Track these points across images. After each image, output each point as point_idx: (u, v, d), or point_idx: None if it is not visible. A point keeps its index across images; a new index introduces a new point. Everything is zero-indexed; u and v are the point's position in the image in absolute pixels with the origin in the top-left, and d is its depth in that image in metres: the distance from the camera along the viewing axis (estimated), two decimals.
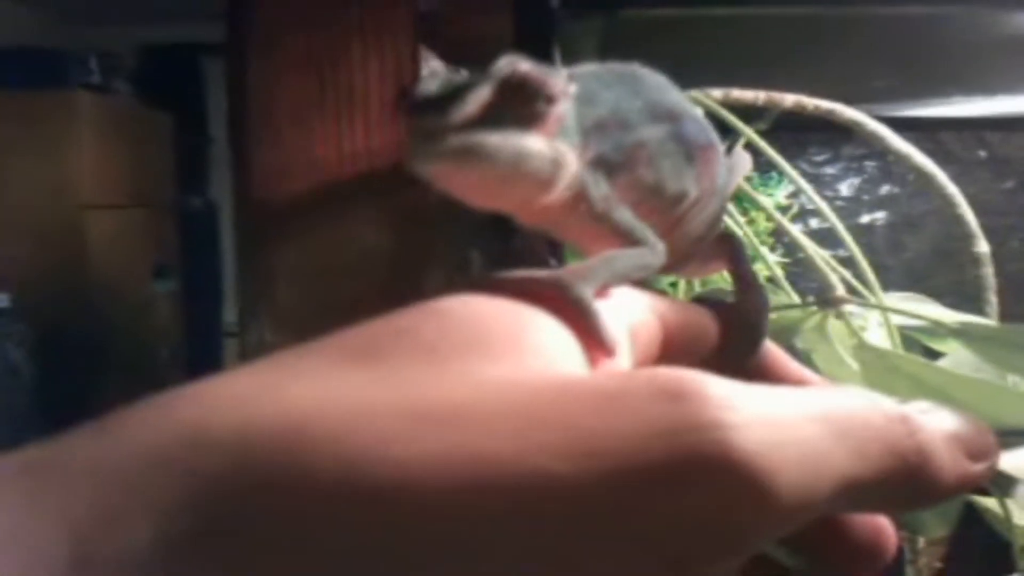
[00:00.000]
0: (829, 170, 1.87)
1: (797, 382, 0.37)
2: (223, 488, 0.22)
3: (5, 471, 0.22)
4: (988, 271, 0.91)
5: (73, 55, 3.17)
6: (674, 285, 0.98)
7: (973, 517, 0.72)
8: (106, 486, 0.21)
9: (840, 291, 0.76)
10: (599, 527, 0.22)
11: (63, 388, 2.80)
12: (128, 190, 3.33)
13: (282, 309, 0.72)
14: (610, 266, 0.32)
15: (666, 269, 0.37)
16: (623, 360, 0.29)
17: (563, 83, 0.32)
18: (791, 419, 0.24)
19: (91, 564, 0.20)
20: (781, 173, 1.29)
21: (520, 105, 0.31)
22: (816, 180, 1.81)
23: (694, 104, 0.40)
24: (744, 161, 0.52)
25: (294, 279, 0.72)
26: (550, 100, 0.31)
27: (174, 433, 0.23)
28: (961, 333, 0.71)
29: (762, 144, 0.82)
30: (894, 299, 0.81)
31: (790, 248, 1.33)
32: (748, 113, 0.87)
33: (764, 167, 1.32)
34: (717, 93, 0.87)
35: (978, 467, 0.27)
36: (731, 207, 0.76)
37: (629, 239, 0.34)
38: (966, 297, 0.94)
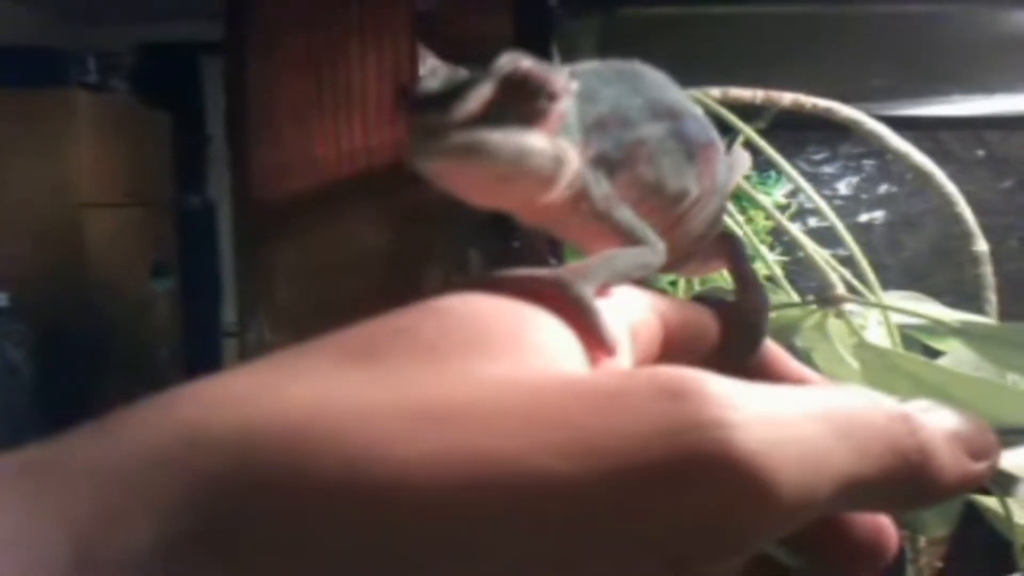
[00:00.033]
0: (827, 169, 1.86)
1: (798, 381, 0.37)
2: (223, 488, 0.21)
3: (5, 471, 0.22)
4: (987, 270, 0.91)
5: (72, 54, 3.17)
6: (674, 284, 0.98)
7: (974, 516, 0.72)
8: (106, 486, 0.21)
9: (840, 290, 0.76)
10: (600, 526, 0.22)
11: (62, 387, 2.80)
12: (126, 189, 3.33)
13: (281, 308, 0.72)
14: (610, 265, 0.32)
15: (666, 268, 0.37)
16: (624, 359, 0.29)
17: (565, 80, 0.32)
18: (792, 418, 0.24)
19: (92, 564, 0.20)
20: (779, 172, 1.29)
21: (522, 102, 0.31)
22: (814, 179, 1.80)
23: (693, 102, 0.40)
24: (743, 160, 0.52)
25: (293, 278, 0.72)
26: (552, 97, 0.31)
27: (174, 433, 0.22)
28: (961, 332, 0.71)
29: (761, 143, 0.82)
30: (893, 298, 0.81)
31: (789, 247, 1.33)
32: (746, 112, 0.87)
33: (762, 166, 1.32)
34: (715, 92, 0.87)
35: (979, 466, 0.27)
36: (730, 206, 0.76)
37: (629, 238, 0.34)
38: (965, 296, 0.94)
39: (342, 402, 0.23)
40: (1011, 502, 0.67)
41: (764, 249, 0.96)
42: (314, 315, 0.72)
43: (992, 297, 0.91)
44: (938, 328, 0.76)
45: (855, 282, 0.78)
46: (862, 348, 0.72)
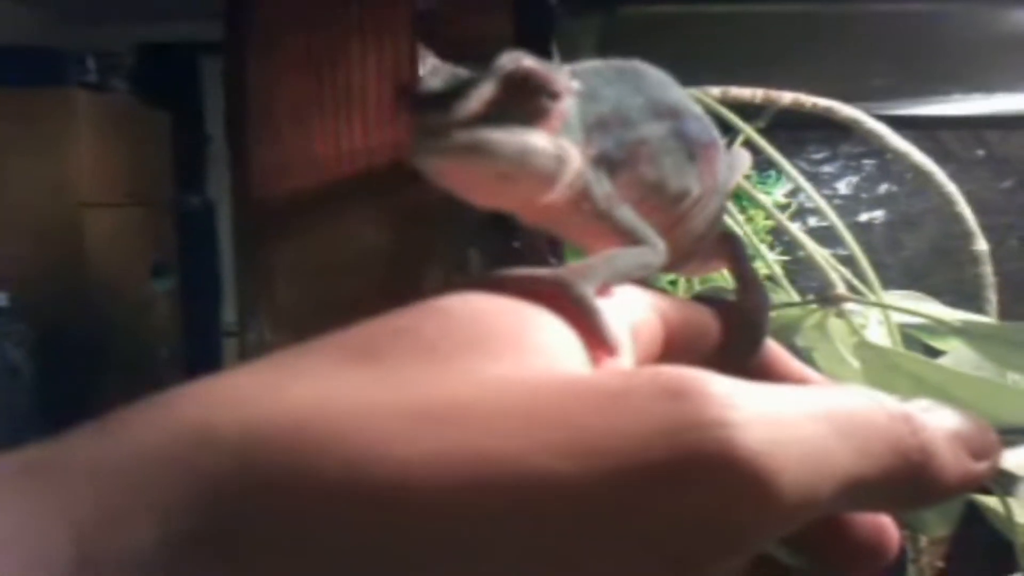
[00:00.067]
0: (827, 168, 1.86)
1: (799, 381, 0.37)
2: (225, 488, 0.22)
3: (7, 471, 0.22)
4: (987, 269, 0.91)
5: (71, 54, 3.17)
6: (674, 283, 0.98)
7: (975, 516, 0.72)
8: (108, 486, 0.21)
9: (840, 289, 0.76)
10: (601, 526, 0.22)
11: (62, 387, 2.80)
12: (126, 189, 3.33)
13: (281, 308, 0.72)
14: (611, 265, 0.32)
15: (667, 267, 0.37)
16: (625, 359, 0.29)
17: (566, 80, 0.32)
18: (793, 418, 0.24)
19: (93, 564, 0.20)
20: (779, 171, 1.29)
21: (524, 102, 0.31)
22: (814, 178, 1.80)
23: (694, 102, 0.40)
24: (743, 159, 0.52)
25: (293, 278, 0.72)
26: (554, 96, 0.31)
27: (176, 433, 0.23)
28: (962, 331, 0.71)
29: (761, 142, 0.82)
30: (894, 297, 0.81)
31: (789, 246, 1.33)
32: (746, 111, 0.86)
33: (762, 165, 1.32)
34: (715, 91, 0.87)
35: (980, 466, 0.27)
36: (730, 205, 0.76)
37: (630, 238, 0.34)
38: (964, 295, 0.94)
39: (343, 402, 0.23)
40: (1012, 502, 0.67)
41: (764, 248, 0.95)
42: (314, 315, 0.72)
43: (992, 297, 0.91)
44: (939, 327, 0.76)
45: (855, 281, 0.78)
46: (863, 347, 0.72)
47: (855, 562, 0.30)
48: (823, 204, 0.83)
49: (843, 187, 1.87)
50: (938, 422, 0.26)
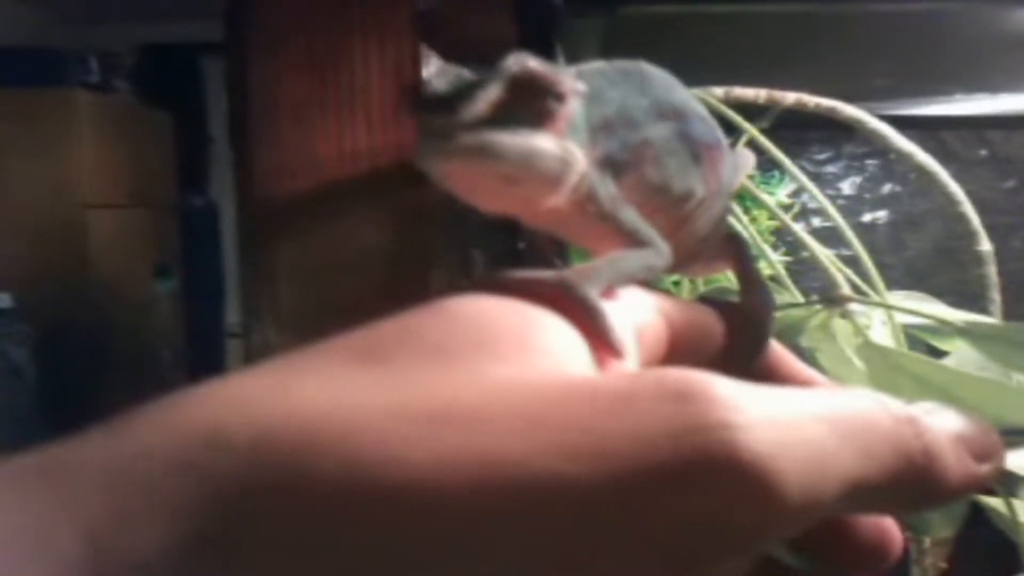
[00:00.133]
0: (830, 169, 1.87)
1: (803, 382, 0.37)
2: (233, 490, 0.22)
3: (18, 472, 0.22)
4: (991, 270, 0.91)
5: (73, 54, 3.17)
6: (678, 284, 0.98)
7: (979, 517, 0.72)
8: (119, 487, 0.22)
9: (845, 290, 0.75)
10: (606, 527, 0.22)
11: (65, 388, 2.81)
12: (128, 189, 3.33)
13: (285, 308, 0.72)
14: (615, 267, 0.32)
15: (671, 268, 0.37)
16: (630, 361, 0.29)
17: (572, 81, 0.32)
18: (798, 420, 0.24)
19: (105, 564, 0.21)
20: (783, 171, 1.29)
21: (530, 104, 0.31)
22: (818, 179, 1.80)
23: (698, 102, 0.40)
24: (747, 160, 0.52)
25: (297, 278, 0.72)
26: (560, 99, 0.31)
27: (185, 435, 0.23)
28: (966, 332, 0.71)
29: (764, 142, 0.82)
30: (897, 298, 0.81)
31: (792, 247, 1.33)
32: (749, 111, 0.86)
33: (766, 165, 1.32)
34: (718, 91, 0.87)
35: (984, 468, 0.27)
36: (734, 206, 0.76)
37: (634, 240, 0.34)
38: (967, 296, 0.94)
39: (350, 405, 0.23)
40: (1016, 503, 0.67)
41: (768, 249, 0.95)
42: (318, 315, 0.72)
43: (996, 297, 0.90)
44: (943, 328, 0.75)
45: (859, 282, 0.78)
46: (867, 348, 0.72)
47: (858, 563, 0.30)
48: (827, 204, 0.82)
49: (846, 187, 1.87)
50: (941, 424, 0.26)
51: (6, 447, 0.23)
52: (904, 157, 0.91)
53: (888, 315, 0.77)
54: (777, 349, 0.38)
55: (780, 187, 1.43)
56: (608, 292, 0.31)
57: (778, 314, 0.74)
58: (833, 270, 0.76)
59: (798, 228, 0.86)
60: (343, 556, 0.21)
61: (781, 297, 0.81)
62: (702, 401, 0.23)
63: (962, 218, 0.91)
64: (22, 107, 3.00)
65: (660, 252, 0.34)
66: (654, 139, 0.36)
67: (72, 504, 0.21)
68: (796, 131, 1.70)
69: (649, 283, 0.34)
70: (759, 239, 0.94)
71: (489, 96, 0.30)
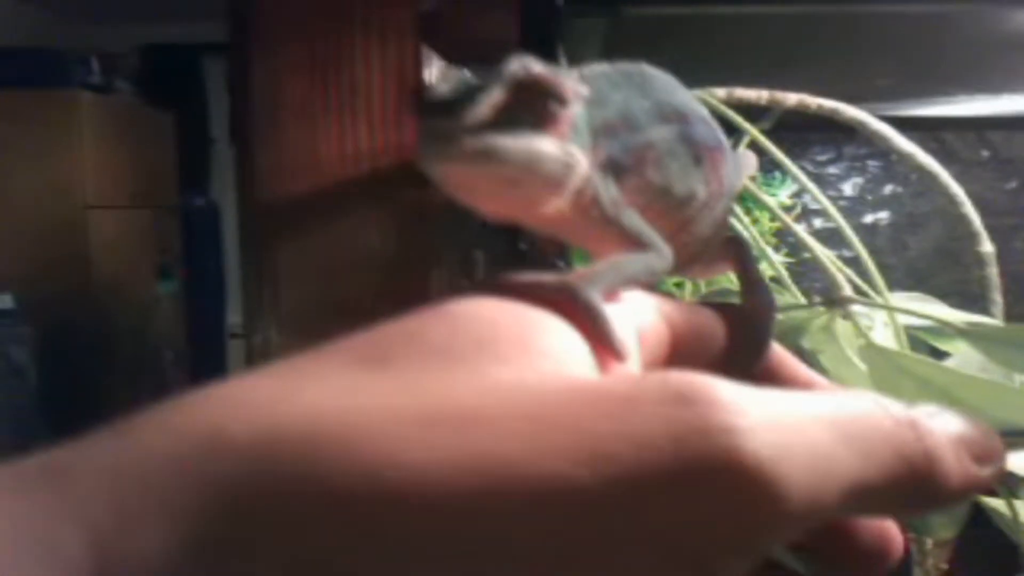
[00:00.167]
0: (832, 170, 1.86)
1: (805, 385, 0.37)
2: (238, 492, 0.22)
3: (22, 475, 0.22)
4: (993, 271, 0.91)
5: (75, 55, 3.17)
6: (680, 285, 0.98)
7: (981, 518, 0.72)
8: (124, 490, 0.22)
9: (846, 291, 0.75)
10: (609, 529, 0.22)
11: (66, 388, 2.81)
12: (130, 190, 3.34)
13: (286, 309, 0.72)
14: (617, 270, 0.32)
15: (673, 270, 0.37)
16: (632, 363, 0.29)
17: (575, 84, 0.32)
18: (799, 423, 0.24)
19: (109, 567, 0.21)
20: (784, 172, 1.29)
21: (533, 107, 0.31)
22: (819, 180, 1.80)
23: (701, 104, 0.40)
24: (749, 162, 0.52)
25: (298, 279, 0.72)
26: (563, 102, 0.31)
27: (190, 438, 0.23)
28: (967, 333, 0.71)
29: (766, 143, 0.82)
30: (899, 299, 0.80)
31: (794, 248, 1.33)
32: (751, 112, 0.86)
33: (767, 166, 1.32)
34: (720, 92, 0.87)
35: (985, 471, 0.27)
36: (735, 207, 0.76)
37: (636, 243, 0.34)
38: (969, 297, 0.94)
39: (355, 407, 0.23)
40: (1018, 504, 0.67)
41: (769, 250, 0.95)
42: (319, 316, 0.72)
43: (998, 298, 0.90)
44: (944, 329, 0.75)
45: (861, 283, 0.78)
46: (869, 349, 0.72)
47: (859, 565, 0.30)
48: (828, 205, 0.82)
49: (848, 188, 1.87)
50: (943, 427, 0.26)
51: (6, 447, 0.23)
52: (905, 158, 0.91)
53: (890, 316, 0.77)
54: (778, 351, 0.38)
55: (782, 188, 1.43)
56: (610, 295, 0.31)
57: (780, 316, 0.74)
58: (835, 271, 0.76)
59: (800, 229, 0.85)
60: (345, 558, 0.21)
61: (783, 298, 0.81)
62: (704, 404, 0.23)
63: (964, 219, 0.91)
64: (23, 108, 3.00)
65: (662, 255, 0.34)
66: (656, 141, 0.36)
67: (75, 507, 0.21)
68: (798, 132, 1.70)
69: (651, 285, 0.34)
70: (761, 240, 0.94)
71: (492, 99, 0.30)
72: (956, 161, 1.76)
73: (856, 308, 0.75)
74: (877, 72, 1.28)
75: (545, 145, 0.31)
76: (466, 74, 0.31)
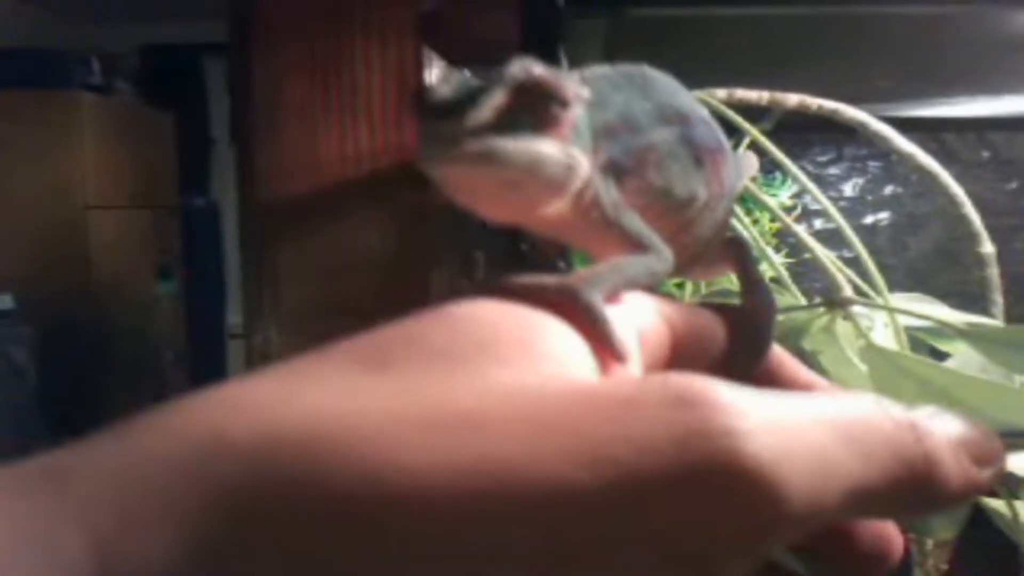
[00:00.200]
0: (833, 170, 1.86)
1: (805, 386, 0.37)
2: (239, 495, 0.22)
3: (24, 477, 0.22)
4: (993, 272, 0.91)
5: (75, 55, 3.17)
6: (680, 286, 0.98)
7: (981, 519, 0.72)
8: (126, 492, 0.22)
9: (847, 291, 0.75)
10: (610, 531, 0.22)
11: (66, 388, 2.81)
12: (130, 190, 3.34)
13: (286, 309, 0.72)
14: (618, 272, 0.32)
15: (674, 271, 0.37)
16: (633, 365, 0.29)
17: (576, 87, 0.32)
18: (801, 425, 0.24)
19: (111, 569, 0.21)
20: (784, 173, 1.29)
21: (534, 110, 0.31)
22: (820, 180, 1.80)
23: (702, 106, 0.40)
24: (750, 163, 0.52)
25: (298, 279, 0.72)
26: (564, 104, 0.31)
27: (191, 440, 0.23)
28: (968, 334, 0.71)
29: (766, 144, 0.82)
30: (899, 300, 0.80)
31: (794, 248, 1.33)
32: (751, 113, 0.86)
33: (768, 167, 1.32)
34: (721, 93, 0.87)
35: (985, 473, 0.27)
36: (736, 208, 0.76)
37: (637, 245, 0.34)
38: (969, 298, 0.94)
39: (356, 410, 0.23)
40: (1018, 504, 0.67)
41: (770, 251, 0.95)
42: (319, 316, 0.72)
43: (998, 299, 0.90)
44: (945, 330, 0.75)
45: (861, 284, 0.78)
46: (869, 350, 0.72)
47: (860, 566, 0.30)
48: (828, 206, 0.82)
49: (848, 189, 1.87)
50: (943, 429, 0.26)
51: (6, 447, 0.23)
52: (906, 159, 0.91)
53: (890, 317, 0.77)
54: (779, 353, 0.38)
55: (782, 189, 1.43)
56: (611, 297, 0.31)
57: (780, 317, 0.74)
58: (835, 272, 0.76)
59: (800, 230, 0.85)
60: (346, 559, 0.21)
61: (783, 299, 0.81)
62: (705, 407, 0.23)
63: (964, 220, 0.91)
64: (24, 108, 3.00)
65: (663, 257, 0.34)
66: (657, 143, 0.36)
67: (77, 509, 0.21)
68: (798, 133, 1.70)
69: (651, 286, 0.34)
70: (761, 241, 0.94)
71: (493, 102, 0.30)
72: (956, 162, 1.76)
73: (856, 309, 0.75)
74: (878, 73, 1.28)
75: (546, 147, 0.31)
76: (467, 75, 0.31)
